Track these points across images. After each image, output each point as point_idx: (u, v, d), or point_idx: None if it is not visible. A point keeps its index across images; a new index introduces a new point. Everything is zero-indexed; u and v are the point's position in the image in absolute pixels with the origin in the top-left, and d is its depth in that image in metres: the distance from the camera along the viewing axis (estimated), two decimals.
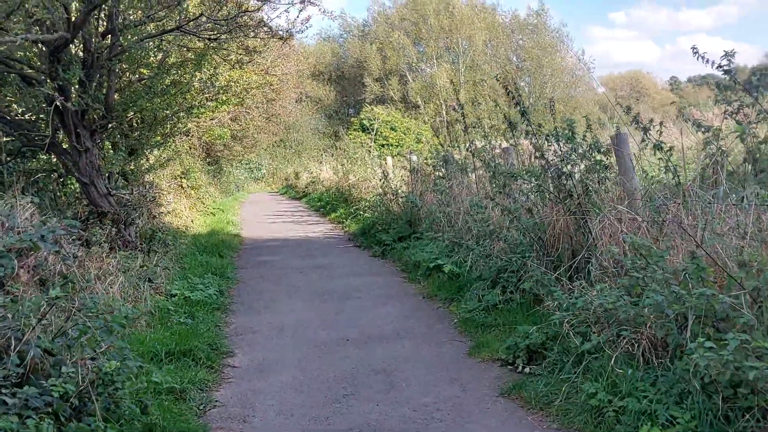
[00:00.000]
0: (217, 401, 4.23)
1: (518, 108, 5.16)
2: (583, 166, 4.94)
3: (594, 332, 3.93)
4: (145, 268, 6.99)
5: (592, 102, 42.70)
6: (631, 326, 3.72)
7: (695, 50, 4.72)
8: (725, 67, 4.06)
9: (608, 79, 66.44)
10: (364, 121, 36.86)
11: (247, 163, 33.66)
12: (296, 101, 33.59)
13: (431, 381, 4.38)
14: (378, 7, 46.44)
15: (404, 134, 36.01)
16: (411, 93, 40.85)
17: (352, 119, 40.74)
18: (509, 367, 4.47)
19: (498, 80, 5.53)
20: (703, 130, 4.84)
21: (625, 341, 3.68)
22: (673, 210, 4.04)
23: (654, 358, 3.56)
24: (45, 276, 5.09)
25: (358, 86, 43.89)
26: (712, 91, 5.26)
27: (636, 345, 3.66)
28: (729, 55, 4.06)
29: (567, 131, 5.09)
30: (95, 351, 3.25)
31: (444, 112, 38.47)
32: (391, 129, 36.39)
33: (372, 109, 37.39)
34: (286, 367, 4.85)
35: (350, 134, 36.89)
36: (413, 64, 42.21)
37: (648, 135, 4.68)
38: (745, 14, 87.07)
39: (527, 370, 4.31)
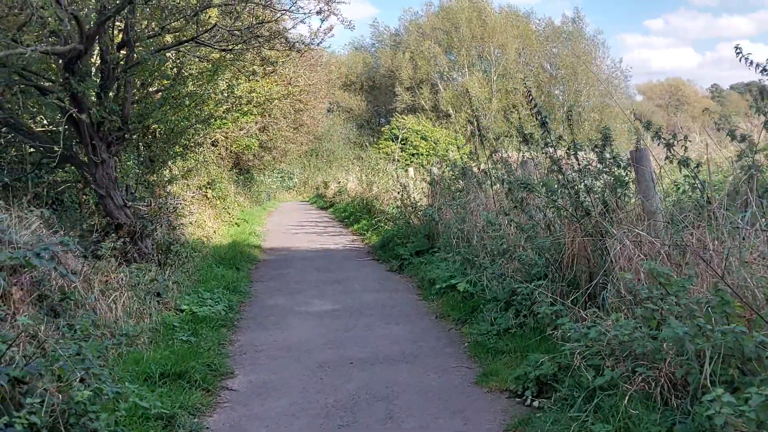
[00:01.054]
0: (207, 428, 4.04)
1: (539, 118, 4.87)
2: (602, 182, 4.62)
3: (608, 366, 3.61)
4: (155, 282, 6.87)
5: (629, 111, 41.78)
6: (648, 361, 3.40)
7: (738, 50, 4.39)
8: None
9: (647, 87, 65.18)
10: (395, 131, 36.71)
11: (279, 173, 33.84)
12: (327, 111, 33.68)
13: (433, 412, 4.11)
14: (410, 16, 46.40)
15: (435, 144, 35.71)
16: (442, 102, 40.56)
17: (383, 128, 40.64)
18: (517, 399, 4.17)
19: (525, 86, 5.24)
20: (738, 139, 4.48)
21: (641, 378, 3.36)
22: (696, 234, 3.70)
23: (672, 398, 3.23)
24: (45, 293, 5.00)
25: (390, 95, 43.85)
26: (753, 98, 4.91)
27: (653, 382, 3.34)
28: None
29: (599, 142, 4.77)
30: (67, 380, 3.08)
31: (475, 121, 38.05)
32: (422, 138, 36.14)
33: (402, 118, 37.20)
34: (285, 391, 4.64)
35: (381, 143, 36.81)
36: (444, 73, 41.96)
37: (673, 150, 4.34)
38: None
39: (536, 403, 4.00)
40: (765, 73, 4.39)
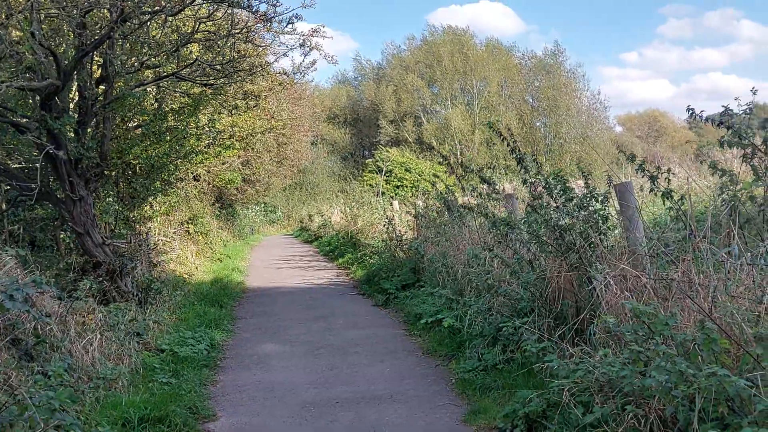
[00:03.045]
0: None
1: (514, 155, 4.87)
2: (581, 217, 4.60)
3: (597, 403, 3.54)
4: (135, 321, 6.71)
5: (609, 142, 42.37)
6: (637, 398, 3.33)
7: (691, 111, 4.50)
8: (726, 124, 3.76)
9: (626, 119, 66.23)
10: (379, 163, 36.89)
11: (262, 206, 33.71)
12: (311, 144, 33.79)
13: None
14: (393, 50, 47.00)
15: (419, 175, 35.89)
16: (425, 134, 40.90)
17: (367, 161, 40.81)
18: None
19: (492, 127, 5.25)
20: (719, 173, 4.51)
21: (630, 416, 3.29)
22: (682, 269, 3.68)
23: None
24: (19, 336, 4.84)
25: (373, 128, 44.16)
26: (733, 130, 4.97)
27: (643, 420, 3.27)
28: (727, 112, 3.78)
29: (558, 181, 4.77)
30: (39, 430, 2.95)
31: (458, 153, 38.35)
32: (406, 170, 36.33)
33: (386, 151, 37.44)
34: None
35: (366, 175, 36.93)
36: (428, 106, 42.40)
37: (656, 183, 4.35)
38: (759, 52, 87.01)
39: None
40: (721, 126, 4.47)
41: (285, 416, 4.80)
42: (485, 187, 6.34)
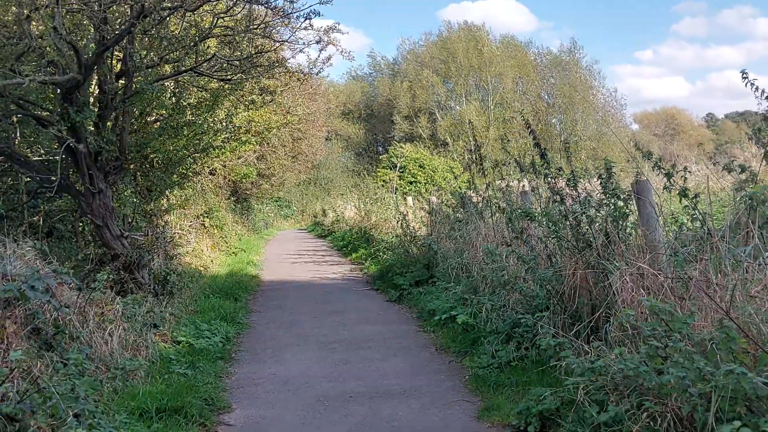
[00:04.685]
0: None
1: (538, 150, 4.86)
2: (603, 214, 4.58)
3: (612, 401, 3.54)
4: (151, 313, 6.79)
5: (625, 139, 42.01)
6: (653, 396, 3.33)
7: (744, 74, 4.37)
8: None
9: (643, 116, 65.69)
10: (393, 159, 36.88)
11: (276, 201, 33.86)
12: (326, 139, 33.86)
13: None
14: (408, 46, 46.92)
15: (433, 172, 35.85)
16: (440, 131, 40.80)
17: (381, 157, 40.82)
18: None
19: (523, 117, 5.23)
20: (737, 171, 4.46)
21: (646, 414, 3.28)
22: (699, 268, 3.66)
23: None
24: (39, 326, 4.92)
25: (388, 124, 44.13)
26: (750, 128, 4.91)
27: (659, 419, 3.26)
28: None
29: (604, 173, 4.75)
30: (60, 417, 3.00)
31: (474, 150, 38.20)
32: (420, 167, 36.29)
33: (400, 147, 37.40)
34: (283, 426, 4.54)
35: (379, 171, 36.94)
36: (442, 102, 42.29)
37: (672, 181, 4.32)
38: None
39: None
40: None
41: (299, 409, 4.84)
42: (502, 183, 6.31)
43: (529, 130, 5.54)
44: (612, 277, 4.21)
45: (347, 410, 4.79)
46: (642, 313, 3.80)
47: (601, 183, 4.60)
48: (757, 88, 4.05)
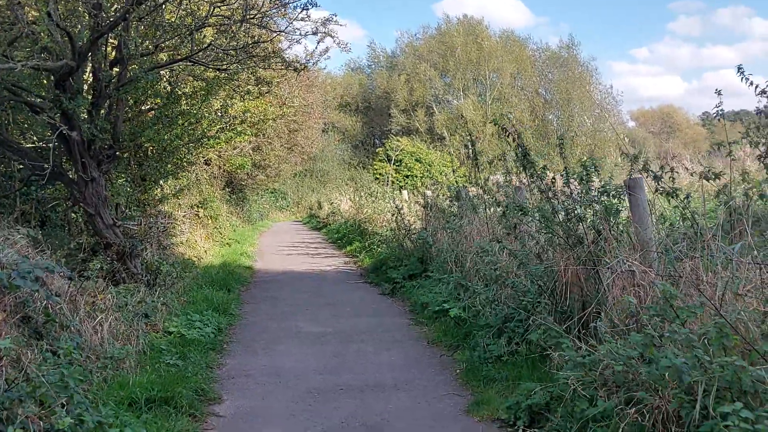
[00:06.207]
0: None
1: (519, 150, 4.84)
2: (592, 211, 4.58)
3: (601, 397, 3.55)
4: (143, 303, 6.76)
5: (621, 135, 42.02)
6: (644, 389, 3.33)
7: (741, 70, 4.35)
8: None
9: (639, 114, 65.79)
10: (389, 152, 36.85)
11: (272, 192, 33.79)
12: (322, 131, 33.78)
13: None
14: (406, 38, 46.78)
15: (429, 166, 35.84)
16: (437, 125, 40.75)
17: (378, 150, 40.76)
18: (509, 429, 4.09)
19: (497, 124, 5.18)
20: (713, 178, 4.44)
21: (634, 409, 3.29)
22: (690, 265, 3.66)
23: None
24: (29, 314, 4.90)
25: (385, 117, 44.05)
26: (744, 127, 4.91)
27: (647, 414, 3.27)
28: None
29: (583, 172, 4.75)
30: (48, 406, 2.99)
31: (470, 145, 38.15)
32: (416, 160, 36.27)
33: (397, 140, 37.35)
34: (274, 418, 4.54)
35: (376, 164, 36.90)
36: (440, 96, 42.21)
37: (661, 182, 4.32)
38: None
39: None
40: (765, 94, 4.36)
41: (289, 401, 4.84)
42: (498, 179, 6.29)
43: (507, 133, 5.48)
44: (603, 272, 4.21)
45: (338, 403, 4.79)
46: (637, 306, 3.80)
47: (582, 183, 4.59)
48: (751, 83, 4.04)
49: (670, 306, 3.32)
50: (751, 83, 4.28)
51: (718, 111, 4.13)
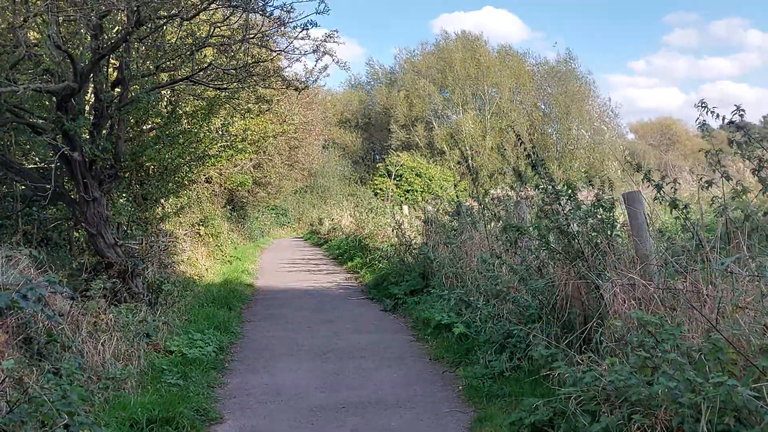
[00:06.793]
0: None
1: (529, 160, 4.87)
2: (588, 225, 4.60)
3: (604, 412, 3.54)
4: (144, 323, 6.76)
5: (620, 149, 42.13)
6: (644, 408, 3.33)
7: (704, 104, 4.43)
8: (737, 123, 3.74)
9: (638, 126, 65.96)
10: (390, 167, 36.94)
11: (273, 209, 33.82)
12: (323, 147, 33.89)
13: None
14: (405, 55, 47.06)
15: (429, 180, 35.91)
16: (436, 139, 40.88)
17: (378, 165, 40.87)
18: None
19: (513, 129, 5.22)
20: (706, 186, 4.46)
21: (636, 426, 3.28)
22: (690, 278, 3.67)
23: None
24: (31, 335, 4.90)
25: (385, 132, 44.21)
26: (735, 141, 4.93)
27: (650, 430, 3.27)
28: (739, 110, 3.75)
29: (566, 189, 4.77)
30: (51, 426, 2.99)
31: (469, 159, 38.29)
32: (417, 175, 36.35)
33: (396, 155, 37.46)
34: None
35: (376, 179, 36.98)
36: (439, 111, 42.40)
37: (662, 192, 4.34)
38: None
39: None
40: (731, 125, 4.42)
41: (292, 420, 4.82)
42: (496, 193, 6.33)
43: (520, 142, 5.54)
44: (603, 286, 4.22)
45: (340, 421, 4.77)
46: (633, 323, 3.81)
47: (568, 200, 4.61)
48: (717, 116, 4.11)
49: (649, 332, 3.32)
50: (717, 115, 4.34)
51: (700, 124, 4.17)
